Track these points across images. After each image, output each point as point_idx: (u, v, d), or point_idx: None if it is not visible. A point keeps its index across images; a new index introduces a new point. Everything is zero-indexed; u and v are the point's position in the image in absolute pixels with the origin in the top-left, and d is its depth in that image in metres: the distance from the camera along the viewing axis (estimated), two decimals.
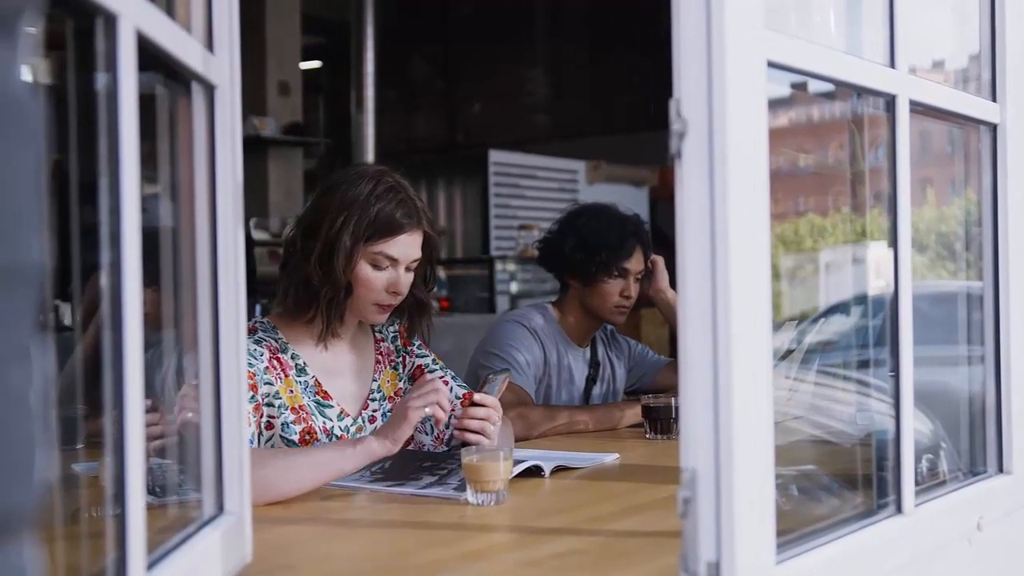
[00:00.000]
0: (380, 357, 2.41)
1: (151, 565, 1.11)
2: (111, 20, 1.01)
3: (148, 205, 1.12)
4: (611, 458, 2.37)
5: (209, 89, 1.37)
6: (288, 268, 2.26)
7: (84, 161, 1.05)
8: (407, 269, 2.25)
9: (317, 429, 2.21)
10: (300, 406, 2.21)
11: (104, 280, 1.03)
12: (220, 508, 1.39)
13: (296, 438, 2.18)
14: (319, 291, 2.20)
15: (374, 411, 2.34)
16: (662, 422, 2.67)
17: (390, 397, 2.38)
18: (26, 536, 0.61)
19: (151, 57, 1.13)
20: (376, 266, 2.22)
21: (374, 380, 2.37)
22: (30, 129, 0.60)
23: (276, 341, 2.24)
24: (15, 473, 0.59)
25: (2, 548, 0.58)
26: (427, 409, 2.02)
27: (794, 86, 1.48)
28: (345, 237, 2.18)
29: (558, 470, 2.20)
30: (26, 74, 0.61)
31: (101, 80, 1.03)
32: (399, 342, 2.45)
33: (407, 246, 2.24)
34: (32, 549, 0.62)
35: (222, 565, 1.34)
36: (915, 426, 1.58)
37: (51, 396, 0.64)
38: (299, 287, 2.23)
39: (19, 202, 0.59)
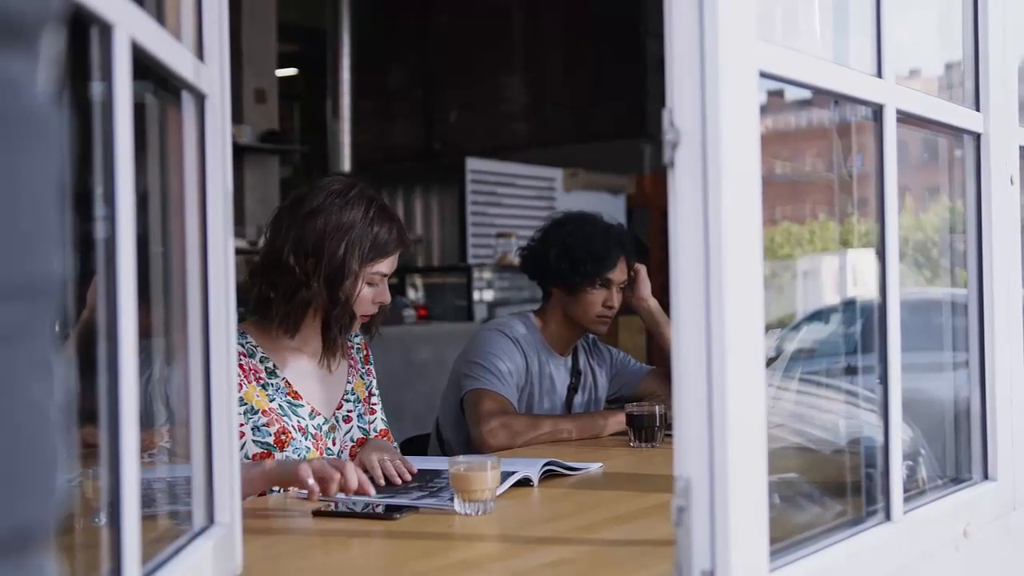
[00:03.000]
0: (352, 362, 2.49)
1: None
2: (106, 29, 1.00)
3: (137, 214, 1.11)
4: (595, 467, 2.37)
5: (200, 98, 1.36)
6: (283, 290, 2.27)
7: (77, 169, 1.05)
8: (389, 280, 2.38)
9: (291, 428, 2.27)
10: (270, 408, 2.26)
11: (99, 290, 1.02)
12: (211, 519, 1.38)
13: (271, 439, 2.24)
14: (328, 315, 2.29)
15: (348, 411, 2.42)
16: (646, 430, 2.67)
17: (363, 400, 2.47)
18: (48, 549, 0.60)
19: (142, 66, 1.13)
20: (370, 284, 2.32)
21: (348, 382, 2.45)
22: (51, 141, 0.60)
23: (243, 346, 2.28)
24: (38, 487, 0.59)
25: (26, 562, 0.58)
26: (310, 481, 1.91)
27: (770, 93, 1.48)
28: (353, 262, 2.27)
29: (547, 476, 2.20)
30: (46, 86, 0.61)
31: (95, 88, 1.03)
32: (361, 355, 2.54)
33: (395, 261, 2.37)
34: (54, 562, 0.61)
35: None
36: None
37: (71, 409, 0.63)
38: (299, 309, 2.28)
39: (40, 215, 0.59)
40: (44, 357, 0.60)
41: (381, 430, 2.48)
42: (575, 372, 3.18)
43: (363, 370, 2.52)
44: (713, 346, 1.17)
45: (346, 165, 8.70)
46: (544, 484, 2.18)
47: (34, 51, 0.59)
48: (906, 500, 1.58)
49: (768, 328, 2.27)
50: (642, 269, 3.17)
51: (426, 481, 2.15)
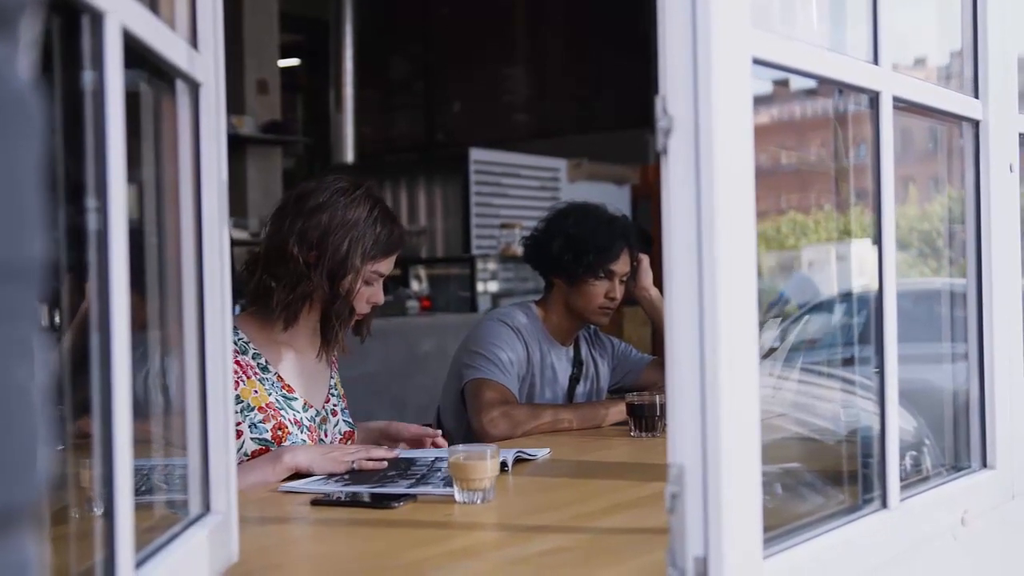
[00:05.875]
0: (334, 359, 2.53)
1: (139, 564, 1.11)
2: (97, 17, 1.00)
3: (133, 205, 1.11)
4: (544, 452, 2.41)
5: (194, 87, 1.36)
6: (285, 281, 2.30)
7: (69, 160, 1.05)
8: (385, 280, 2.42)
9: (287, 423, 2.30)
10: (267, 404, 2.29)
11: (91, 281, 1.02)
12: (207, 507, 1.38)
13: (268, 435, 2.27)
14: (327, 309, 2.32)
15: (334, 406, 2.48)
16: (646, 419, 2.68)
17: (343, 395, 2.53)
18: (29, 531, 0.61)
19: (135, 54, 1.13)
20: (367, 283, 2.35)
21: (332, 377, 2.50)
22: (31, 126, 0.61)
23: (235, 343, 2.29)
24: (19, 468, 0.59)
25: (6, 542, 0.59)
26: (354, 465, 2.16)
27: (776, 83, 1.48)
28: (356, 259, 2.30)
29: (542, 465, 2.22)
30: (26, 71, 0.61)
31: (87, 78, 1.03)
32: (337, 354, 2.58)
33: (392, 262, 2.41)
34: (35, 544, 0.62)
35: (209, 564, 1.33)
36: (899, 423, 1.59)
37: (52, 391, 0.64)
38: (299, 300, 2.31)
39: (21, 198, 0.59)
40: (26, 339, 0.60)
41: (346, 432, 2.50)
42: (577, 362, 3.18)
43: (338, 368, 2.57)
44: (706, 333, 1.17)
45: (349, 156, 8.71)
46: (545, 473, 2.19)
47: (13, 36, 0.59)
48: (904, 488, 1.58)
49: (773, 318, 2.27)
50: (644, 259, 3.16)
51: (404, 469, 2.16)
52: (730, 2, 1.20)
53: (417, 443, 2.46)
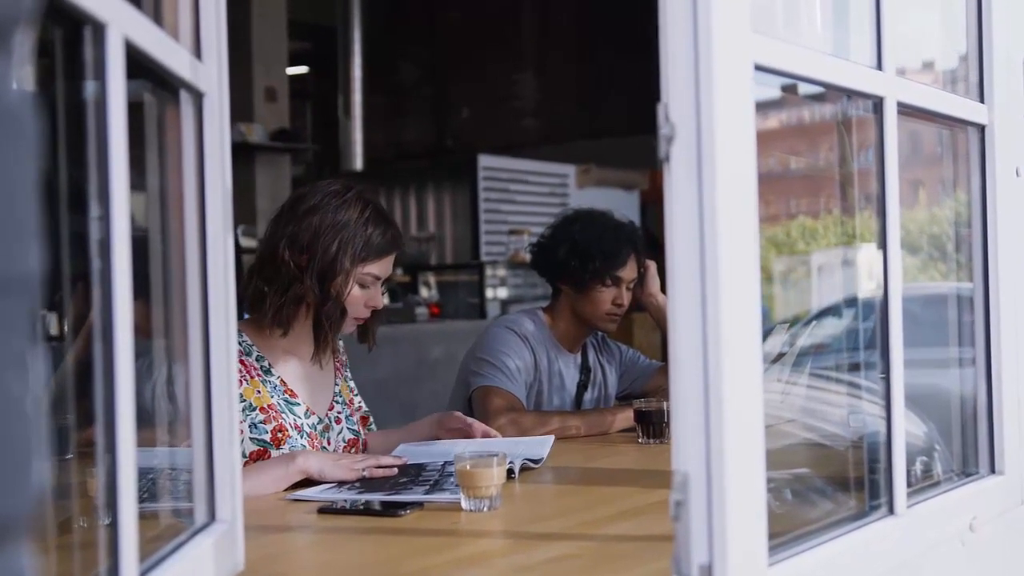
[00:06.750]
0: (339, 366, 2.53)
1: (143, 573, 1.11)
2: (100, 28, 1.01)
3: (135, 214, 1.12)
4: (548, 441, 2.46)
5: (197, 97, 1.36)
6: (276, 285, 2.30)
7: (71, 169, 1.05)
8: (383, 284, 2.40)
9: (288, 426, 2.30)
10: (269, 405, 2.30)
11: (95, 290, 1.03)
12: (212, 516, 1.39)
13: (268, 437, 2.27)
14: (318, 311, 2.32)
15: (338, 413, 2.47)
16: (654, 426, 2.67)
17: (348, 402, 2.51)
18: (24, 542, 0.61)
19: (139, 65, 1.13)
20: (362, 285, 2.35)
21: (336, 384, 2.49)
22: (26, 139, 0.61)
23: (240, 345, 2.30)
24: (14, 480, 0.59)
25: (1, 554, 0.59)
26: (365, 472, 2.15)
27: (784, 88, 1.48)
28: (345, 260, 2.29)
29: (524, 469, 2.24)
30: (21, 84, 0.61)
31: (89, 88, 1.03)
32: (344, 358, 2.59)
33: (390, 265, 2.39)
34: (29, 555, 0.62)
35: (214, 573, 1.33)
36: (908, 429, 1.58)
37: (46, 403, 0.64)
38: (291, 304, 2.31)
39: (16, 211, 0.59)
40: (20, 351, 0.60)
41: (349, 440, 2.50)
42: (585, 369, 3.18)
43: (346, 374, 2.57)
44: (709, 340, 1.17)
45: (358, 163, 8.71)
46: (551, 480, 2.19)
47: (7, 48, 0.60)
48: (912, 494, 1.57)
49: (782, 323, 2.26)
50: (652, 265, 3.16)
51: (415, 476, 2.16)
52: (731, 8, 1.20)
53: (464, 434, 2.48)
